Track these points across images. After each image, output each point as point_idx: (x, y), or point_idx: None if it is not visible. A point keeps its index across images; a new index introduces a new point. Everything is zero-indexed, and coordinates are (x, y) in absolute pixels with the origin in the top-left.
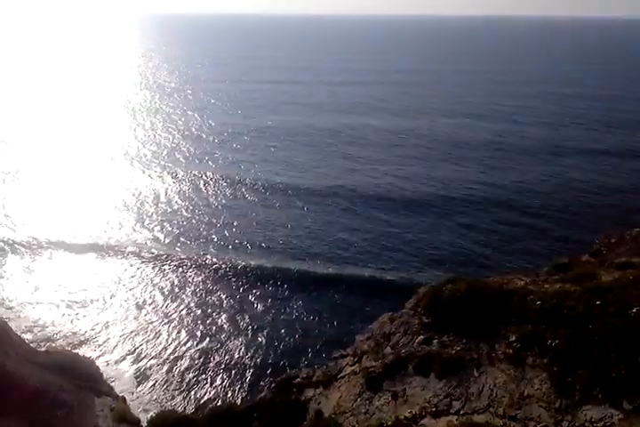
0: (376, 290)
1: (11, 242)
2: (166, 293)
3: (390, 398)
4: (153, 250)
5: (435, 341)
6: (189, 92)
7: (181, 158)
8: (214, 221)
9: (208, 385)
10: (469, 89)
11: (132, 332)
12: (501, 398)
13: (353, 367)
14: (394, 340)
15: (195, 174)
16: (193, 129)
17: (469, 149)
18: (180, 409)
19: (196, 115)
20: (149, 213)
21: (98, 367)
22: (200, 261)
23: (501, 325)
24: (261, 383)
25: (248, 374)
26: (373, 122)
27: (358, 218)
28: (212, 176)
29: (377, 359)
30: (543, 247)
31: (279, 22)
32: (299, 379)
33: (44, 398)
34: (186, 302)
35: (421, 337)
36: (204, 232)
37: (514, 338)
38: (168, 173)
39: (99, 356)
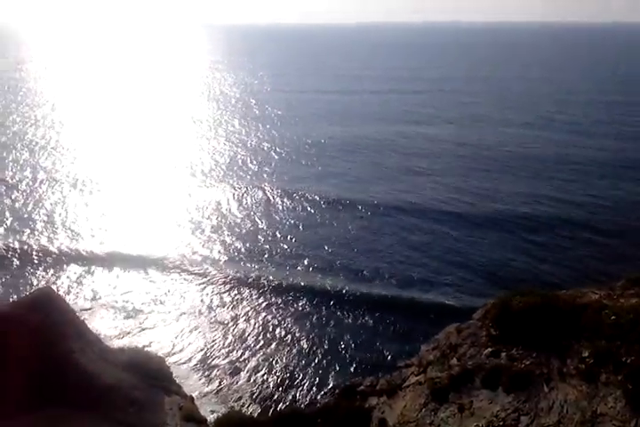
0: (437, 309)
1: (69, 252)
2: (227, 303)
3: (456, 411)
4: (208, 263)
5: (503, 354)
6: (252, 102)
7: (240, 170)
8: (273, 236)
9: (273, 388)
10: (524, 97)
11: (198, 333)
12: (572, 415)
13: (418, 377)
14: (460, 351)
15: (253, 187)
16: (253, 140)
17: (532, 160)
18: (245, 411)
19: (256, 126)
20: (208, 226)
21: (168, 366)
22: (258, 277)
23: (573, 339)
24: (325, 389)
25: (312, 380)
26: (429, 131)
27: (419, 234)
28: (270, 189)
29: (443, 370)
30: (618, 269)
31: (336, 31)
32: (362, 387)
33: (116, 395)
34: (247, 314)
35: (489, 349)
36: (263, 248)
37: (587, 353)
38: (227, 184)
39: (168, 355)
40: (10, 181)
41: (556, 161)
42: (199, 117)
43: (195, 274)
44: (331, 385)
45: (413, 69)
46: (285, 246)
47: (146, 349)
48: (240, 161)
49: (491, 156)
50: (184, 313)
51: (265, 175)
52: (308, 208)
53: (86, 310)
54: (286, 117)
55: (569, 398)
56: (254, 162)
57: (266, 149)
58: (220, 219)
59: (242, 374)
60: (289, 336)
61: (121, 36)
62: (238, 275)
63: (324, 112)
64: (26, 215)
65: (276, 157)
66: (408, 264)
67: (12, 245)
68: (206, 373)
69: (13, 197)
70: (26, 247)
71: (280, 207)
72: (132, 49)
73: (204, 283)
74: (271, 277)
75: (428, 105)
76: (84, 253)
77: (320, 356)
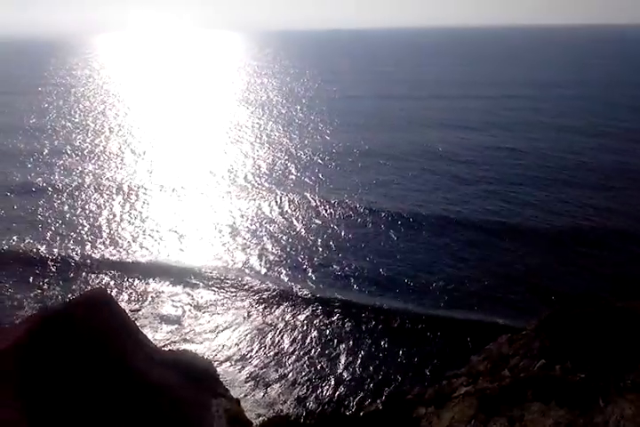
0: (486, 325)
1: (110, 258)
2: (269, 311)
3: (507, 423)
4: (249, 273)
5: (557, 366)
6: (298, 108)
7: (283, 178)
8: (314, 246)
9: (319, 394)
10: (578, 101)
11: (243, 339)
12: None
13: (467, 388)
14: (512, 362)
15: (296, 195)
16: (298, 147)
17: (588, 169)
18: (290, 415)
19: (302, 132)
20: (249, 235)
21: (215, 369)
22: (300, 289)
23: (631, 353)
24: (372, 397)
25: (358, 387)
26: (480, 138)
27: (468, 245)
28: (313, 197)
29: (493, 381)
30: None
31: (388, 35)
32: (410, 395)
33: (164, 396)
34: (290, 323)
35: (543, 361)
36: (305, 259)
37: None
38: (269, 192)
39: (216, 358)
40: (58, 186)
41: (614, 170)
42: (244, 123)
43: (235, 283)
44: (377, 393)
45: (466, 74)
46: (327, 258)
47: (193, 351)
48: (283, 168)
49: (544, 164)
50: (228, 319)
51: (308, 183)
52: (353, 218)
53: (135, 311)
54: (333, 124)
55: (626, 413)
56: (298, 170)
57: (310, 156)
58: (260, 228)
59: (287, 378)
60: (333, 344)
61: (178, 44)
62: (279, 285)
63: (372, 118)
64: (70, 221)
65: (321, 164)
66: (456, 278)
67: (55, 249)
68: (252, 376)
69: (60, 202)
70: (68, 252)
71: (323, 217)
72: (188, 56)
73: (244, 292)
74: (313, 289)
75: (480, 110)
76: (125, 261)
77: (366, 364)
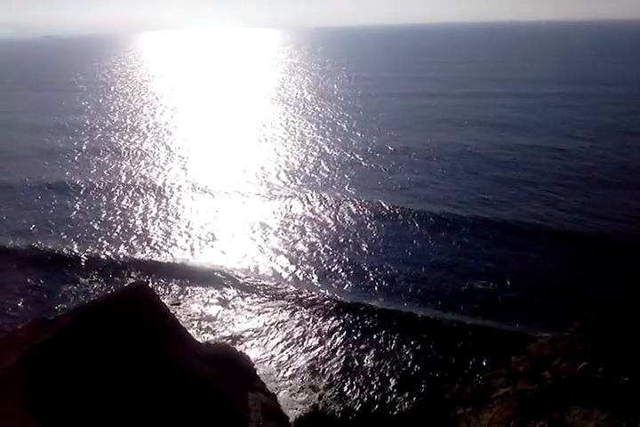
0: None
1: (145, 258)
2: (306, 312)
3: (546, 426)
4: (284, 277)
5: (600, 368)
6: (337, 106)
7: (318, 178)
8: (348, 250)
9: (355, 392)
10: (629, 100)
11: (279, 335)
12: None
13: (506, 389)
14: (553, 364)
15: (329, 197)
16: (332, 146)
17: (638, 172)
18: (327, 411)
19: (336, 131)
20: (279, 238)
21: (252, 363)
22: (334, 294)
23: None
24: (410, 395)
25: (396, 384)
26: (523, 138)
27: (512, 252)
28: (347, 199)
29: (533, 383)
30: None
31: (427, 30)
32: (447, 395)
33: (202, 389)
34: (326, 324)
35: (585, 363)
36: (338, 263)
37: None
38: (303, 194)
39: (253, 351)
40: (93, 184)
41: None
42: (277, 122)
43: (267, 285)
44: (415, 391)
45: (508, 71)
46: (360, 261)
47: (231, 345)
48: (316, 168)
49: (585, 164)
50: (262, 319)
51: (342, 183)
52: (387, 219)
53: (175, 304)
54: (367, 122)
55: None
56: (331, 169)
57: (344, 155)
58: (291, 229)
59: (323, 376)
60: (367, 344)
61: (216, 42)
62: (311, 289)
63: (407, 116)
64: (105, 219)
65: (355, 163)
66: (494, 284)
67: (90, 248)
68: (289, 372)
69: (95, 200)
70: (103, 251)
71: (356, 218)
72: (224, 54)
73: (275, 293)
74: (346, 293)
75: (516, 108)
76: (157, 260)
77: (403, 365)
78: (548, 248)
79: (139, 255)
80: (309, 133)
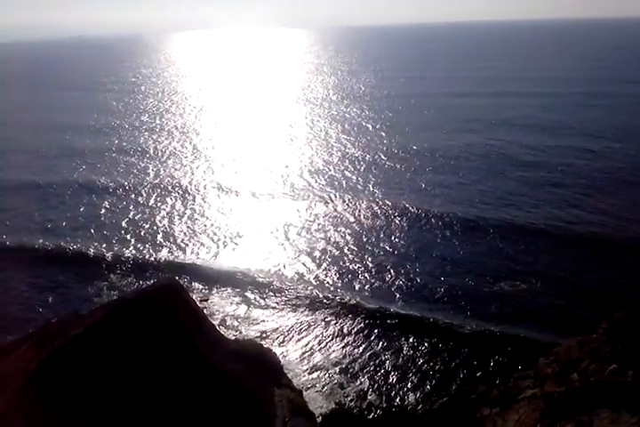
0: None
1: (167, 258)
2: (332, 314)
3: None
4: (312, 282)
5: (630, 371)
6: (364, 107)
7: (343, 179)
8: (376, 256)
9: (382, 390)
10: None
11: (306, 332)
12: None
13: (534, 390)
14: (581, 366)
15: (356, 199)
16: (358, 147)
17: None
18: (353, 409)
19: (362, 131)
20: (304, 242)
21: (279, 360)
22: (362, 299)
23: None
24: (436, 394)
25: (422, 383)
26: (554, 140)
27: (548, 260)
28: (374, 202)
29: (561, 385)
30: None
31: (455, 29)
32: (474, 395)
33: (230, 384)
34: (351, 325)
35: (614, 366)
36: (364, 269)
37: None
38: (329, 196)
39: (279, 349)
40: (121, 184)
41: None
42: (302, 123)
43: (292, 286)
44: (441, 390)
45: (537, 70)
46: (384, 265)
47: (258, 341)
48: (342, 169)
49: (618, 166)
50: (288, 321)
51: (368, 185)
52: (414, 222)
53: (204, 300)
54: (394, 122)
55: None
56: (357, 170)
57: (370, 156)
58: (317, 231)
59: (350, 373)
60: (393, 345)
61: (244, 42)
62: (336, 290)
63: (434, 116)
64: (133, 219)
65: (381, 165)
66: (528, 293)
67: (116, 247)
68: (315, 369)
69: (122, 200)
70: (130, 250)
71: (383, 220)
72: (252, 55)
73: (301, 294)
74: (369, 297)
75: (552, 109)
76: (183, 261)
77: (429, 363)
78: (575, 250)
79: (165, 255)
80: (335, 133)
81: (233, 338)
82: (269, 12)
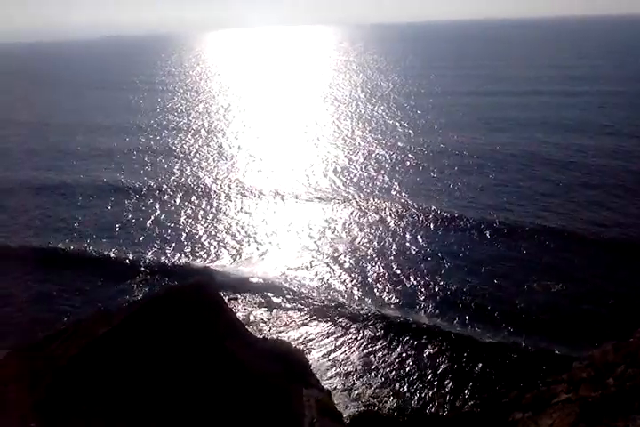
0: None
1: (193, 263)
2: (362, 321)
3: None
4: (334, 287)
5: None
6: (392, 106)
7: (376, 183)
8: (402, 263)
9: (411, 393)
10: None
11: (335, 334)
12: None
13: (568, 395)
14: (618, 371)
15: (392, 203)
16: (390, 148)
17: None
18: (380, 410)
19: (394, 132)
20: (329, 247)
21: (307, 360)
22: (397, 313)
23: None
24: (466, 398)
25: (452, 386)
26: (587, 141)
27: (590, 265)
28: (403, 206)
29: (596, 389)
30: None
31: (486, 27)
32: (506, 399)
33: (259, 382)
34: (381, 326)
35: None
36: (389, 276)
37: None
38: (362, 200)
39: (308, 349)
40: (146, 186)
41: None
42: (331, 123)
43: (322, 295)
44: (472, 394)
45: (571, 68)
46: (411, 272)
47: (286, 340)
48: (374, 172)
49: None
50: (319, 329)
51: (395, 188)
52: (443, 228)
53: (233, 299)
54: (427, 122)
55: None
56: (391, 173)
57: (404, 158)
58: (348, 237)
59: (379, 375)
60: (422, 347)
61: (271, 41)
62: (361, 300)
63: (468, 116)
64: (156, 222)
65: (410, 167)
66: (563, 299)
67: (141, 250)
68: (344, 370)
69: (147, 202)
70: (149, 253)
71: (409, 225)
72: (280, 53)
73: (323, 302)
74: (404, 308)
75: (588, 108)
76: (208, 265)
77: (461, 366)
78: (609, 254)
79: (188, 257)
80: (361, 132)
81: (260, 336)
82: (301, 10)
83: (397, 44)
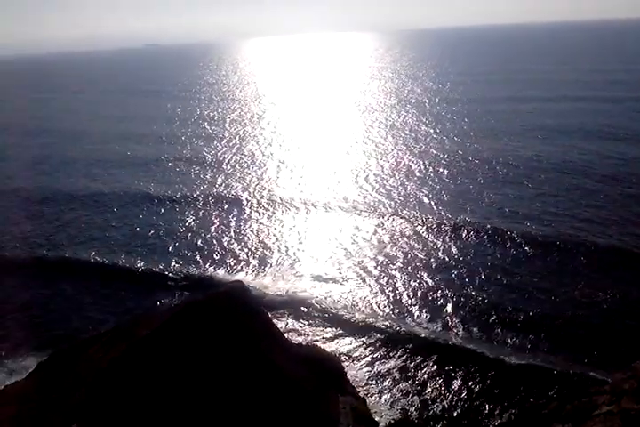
0: None
1: (225, 275)
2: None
3: None
4: (366, 308)
5: None
6: (421, 115)
7: (405, 196)
8: (436, 281)
9: (449, 401)
10: None
11: (367, 348)
12: None
13: (610, 407)
14: None
15: (421, 218)
16: (426, 157)
17: None
18: (417, 420)
19: (431, 140)
20: (358, 262)
21: (343, 366)
22: (432, 335)
23: None
24: (505, 409)
25: (491, 397)
26: (629, 150)
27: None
28: (441, 220)
29: (639, 402)
30: None
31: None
32: (546, 410)
33: (295, 388)
34: (419, 341)
35: None
36: (422, 295)
37: None
38: (398, 213)
39: (343, 355)
40: (179, 196)
41: None
42: (366, 132)
43: (345, 311)
44: (512, 405)
45: (609, 73)
46: (449, 291)
47: (322, 347)
48: (411, 184)
49: None
50: (348, 339)
51: (429, 200)
52: (480, 244)
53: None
54: (463, 130)
55: None
56: (420, 183)
57: (434, 167)
58: (384, 252)
59: (415, 383)
60: (463, 365)
61: (309, 48)
62: (397, 320)
63: (505, 124)
64: (187, 232)
65: (446, 178)
66: (611, 319)
67: (173, 262)
68: (380, 378)
69: (176, 212)
70: (178, 264)
71: (446, 241)
72: (317, 60)
73: (353, 316)
74: (441, 331)
75: (630, 116)
76: (237, 277)
77: (501, 378)
78: None
79: (219, 268)
80: (394, 141)
81: (296, 342)
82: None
83: (434, 50)
